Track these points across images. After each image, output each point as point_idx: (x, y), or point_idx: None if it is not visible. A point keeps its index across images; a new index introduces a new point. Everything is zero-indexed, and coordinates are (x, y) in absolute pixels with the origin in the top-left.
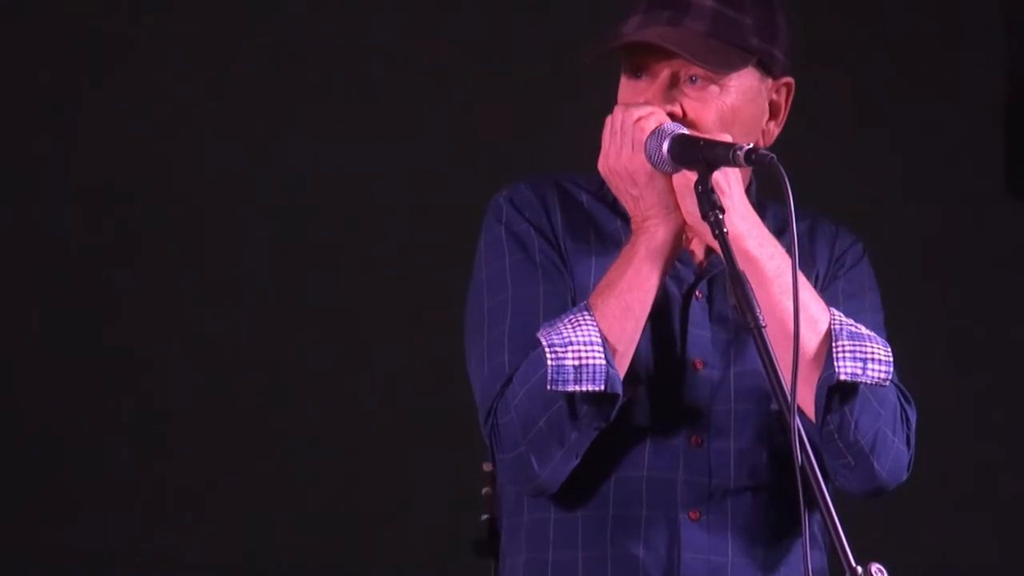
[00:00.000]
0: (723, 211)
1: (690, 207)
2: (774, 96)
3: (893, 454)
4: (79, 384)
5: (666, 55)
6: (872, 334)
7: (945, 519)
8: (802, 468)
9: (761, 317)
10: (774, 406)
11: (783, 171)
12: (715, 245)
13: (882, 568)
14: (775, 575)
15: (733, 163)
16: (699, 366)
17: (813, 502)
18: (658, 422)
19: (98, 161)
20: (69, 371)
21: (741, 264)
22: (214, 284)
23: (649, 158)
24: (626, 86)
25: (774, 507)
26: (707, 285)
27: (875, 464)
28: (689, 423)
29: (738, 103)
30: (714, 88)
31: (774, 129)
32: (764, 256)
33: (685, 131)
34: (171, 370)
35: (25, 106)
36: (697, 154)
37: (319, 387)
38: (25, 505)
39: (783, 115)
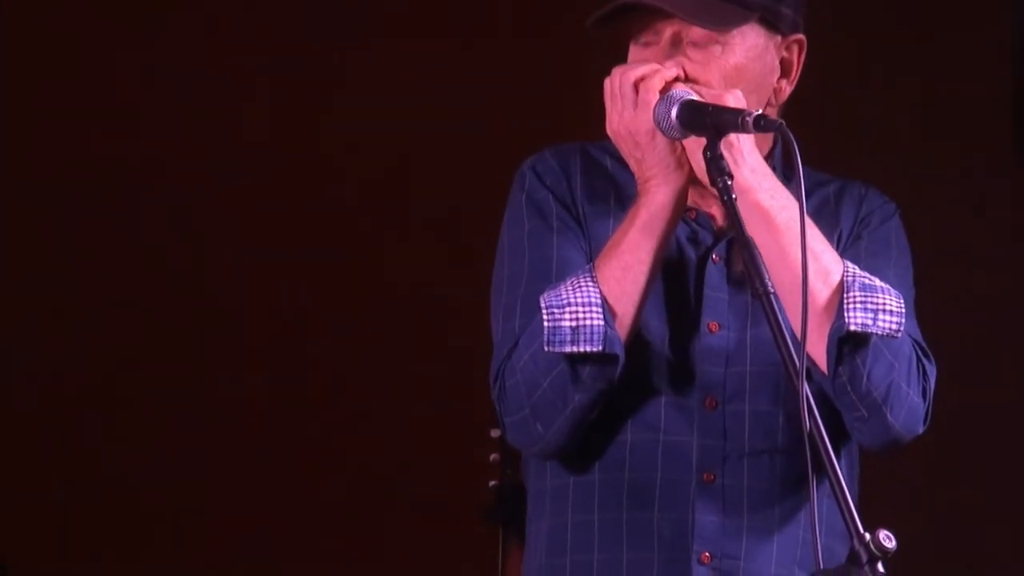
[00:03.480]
0: (731, 177)
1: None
2: (784, 54)
3: (908, 406)
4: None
5: (667, 16)
6: (886, 286)
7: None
8: (811, 434)
9: (770, 283)
10: None
11: (792, 137)
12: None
13: (890, 535)
14: (790, 538)
15: (742, 129)
16: (714, 328)
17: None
18: (672, 385)
19: None
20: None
21: (753, 217)
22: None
23: (658, 124)
24: (633, 51)
25: (790, 470)
26: (725, 248)
27: (888, 416)
28: (704, 386)
29: (743, 61)
30: (716, 47)
31: (786, 87)
32: (775, 207)
33: (694, 97)
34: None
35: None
36: (706, 120)
37: (321, 363)
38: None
39: (795, 73)
